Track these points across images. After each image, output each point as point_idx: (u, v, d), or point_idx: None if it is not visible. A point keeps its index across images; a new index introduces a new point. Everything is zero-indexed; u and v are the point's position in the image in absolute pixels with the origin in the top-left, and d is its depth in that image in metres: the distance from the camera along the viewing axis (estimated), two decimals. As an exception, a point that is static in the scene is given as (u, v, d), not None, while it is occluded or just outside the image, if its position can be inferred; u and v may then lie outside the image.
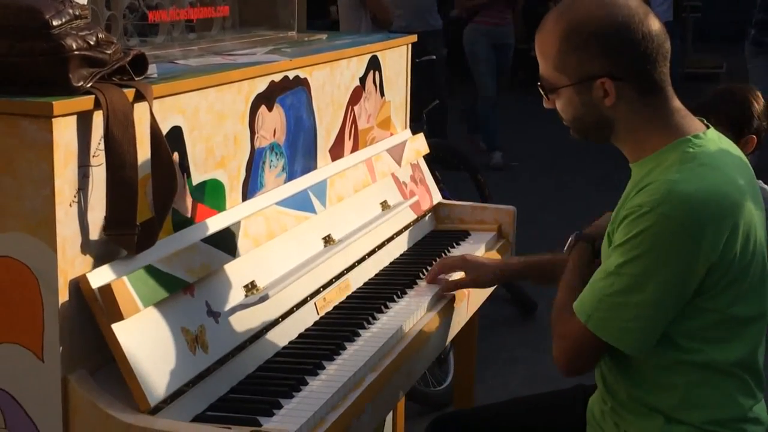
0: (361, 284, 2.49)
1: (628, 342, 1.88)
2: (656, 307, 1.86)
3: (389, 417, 2.99)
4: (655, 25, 1.92)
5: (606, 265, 1.91)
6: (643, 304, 1.85)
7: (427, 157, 3.15)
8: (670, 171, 1.87)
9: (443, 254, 2.76)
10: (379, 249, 2.63)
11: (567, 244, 2.21)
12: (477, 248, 2.84)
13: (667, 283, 1.84)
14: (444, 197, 3.17)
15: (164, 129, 1.88)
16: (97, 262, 1.75)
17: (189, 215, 2.01)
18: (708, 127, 1.98)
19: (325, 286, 2.34)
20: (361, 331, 2.21)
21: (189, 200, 2.01)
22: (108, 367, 1.73)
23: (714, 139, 1.96)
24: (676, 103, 1.96)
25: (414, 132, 3.14)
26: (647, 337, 1.88)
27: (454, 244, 2.87)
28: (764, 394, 2.01)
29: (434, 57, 5.91)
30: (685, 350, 1.89)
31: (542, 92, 2.00)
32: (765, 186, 2.93)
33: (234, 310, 1.99)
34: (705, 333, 1.90)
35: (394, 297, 2.42)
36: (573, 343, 1.94)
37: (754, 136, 2.92)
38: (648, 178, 1.90)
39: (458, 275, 2.52)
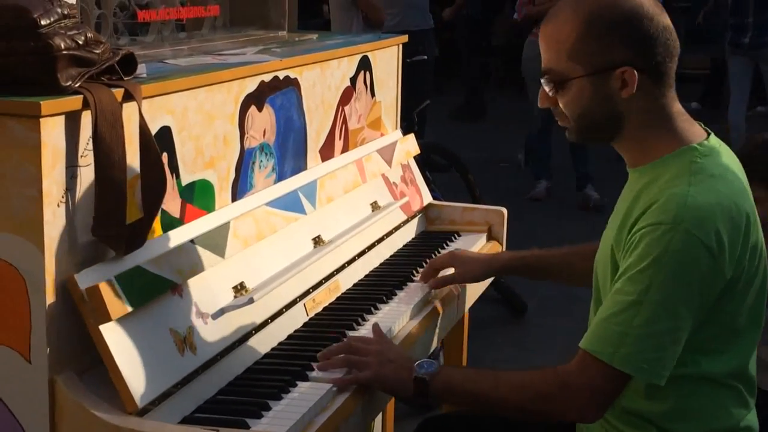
0: (351, 285, 2.49)
1: (657, 372, 1.79)
2: (683, 330, 1.79)
3: (378, 418, 2.98)
4: (668, 21, 1.89)
5: (622, 295, 1.80)
6: (672, 330, 1.78)
7: (417, 158, 3.15)
8: (679, 183, 1.82)
9: (433, 255, 2.75)
10: (369, 250, 2.63)
11: (424, 372, 1.95)
12: (468, 248, 2.83)
13: (692, 304, 1.78)
14: (435, 198, 3.17)
15: (153, 129, 1.87)
16: (85, 263, 1.74)
17: (178, 216, 2.00)
18: (708, 133, 1.96)
19: (314, 288, 2.33)
20: (350, 333, 2.20)
21: (178, 201, 2.00)
22: (96, 368, 1.72)
23: (716, 147, 1.92)
24: (679, 105, 1.93)
25: (405, 132, 3.13)
26: (673, 361, 1.80)
27: (444, 245, 2.87)
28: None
29: (425, 57, 5.91)
30: (682, 363, 1.84)
31: (547, 86, 1.92)
32: None
33: (223, 311, 1.98)
34: (703, 345, 1.86)
35: (384, 298, 2.41)
36: (601, 388, 1.81)
37: None
38: (652, 189, 1.85)
39: (449, 271, 2.52)
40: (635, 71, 1.85)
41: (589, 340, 1.84)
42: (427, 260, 2.70)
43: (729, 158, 1.95)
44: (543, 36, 1.93)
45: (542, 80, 1.93)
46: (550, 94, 1.93)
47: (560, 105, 1.93)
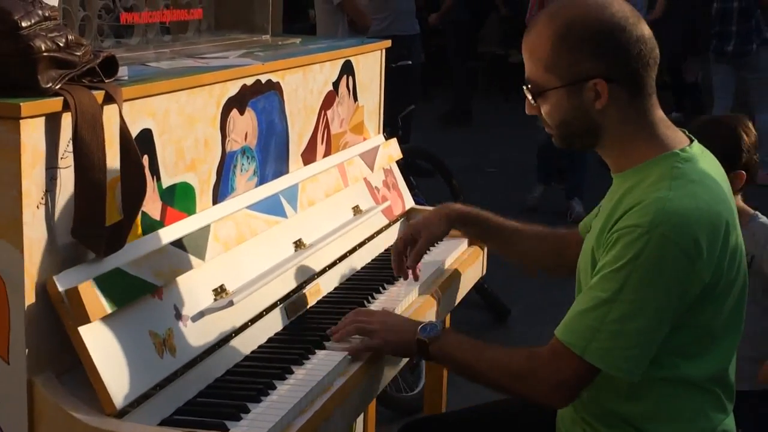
0: (332, 289, 2.49)
1: (628, 368, 1.84)
2: (656, 330, 1.83)
3: (360, 422, 2.99)
4: (646, 30, 1.91)
5: (597, 291, 1.84)
6: (644, 330, 1.81)
7: (401, 163, 3.16)
8: (660, 188, 1.84)
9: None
10: (350, 254, 2.63)
11: (426, 334, 2.06)
12: (448, 253, 2.84)
13: (666, 307, 1.81)
14: (419, 203, 3.18)
15: (134, 131, 1.88)
16: (65, 265, 1.74)
17: (158, 218, 2.00)
18: (691, 140, 1.98)
19: (295, 291, 2.33)
20: (330, 336, 2.21)
21: (158, 203, 2.00)
22: (74, 369, 1.72)
23: (698, 154, 1.95)
24: (660, 113, 1.95)
25: (389, 137, 3.14)
26: (645, 361, 1.84)
27: (426, 250, 2.87)
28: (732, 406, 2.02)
29: (410, 62, 5.93)
30: (661, 365, 1.87)
31: (528, 96, 1.96)
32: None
33: (203, 313, 1.98)
34: (682, 349, 1.89)
35: (365, 302, 2.42)
36: (566, 376, 1.87)
37: (743, 172, 2.71)
38: (634, 193, 1.87)
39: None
40: (606, 83, 1.88)
41: (562, 330, 1.88)
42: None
43: (711, 164, 1.97)
44: (524, 47, 1.96)
45: (524, 89, 1.97)
46: (532, 103, 1.96)
47: (543, 113, 1.96)
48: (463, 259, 2.86)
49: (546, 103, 1.94)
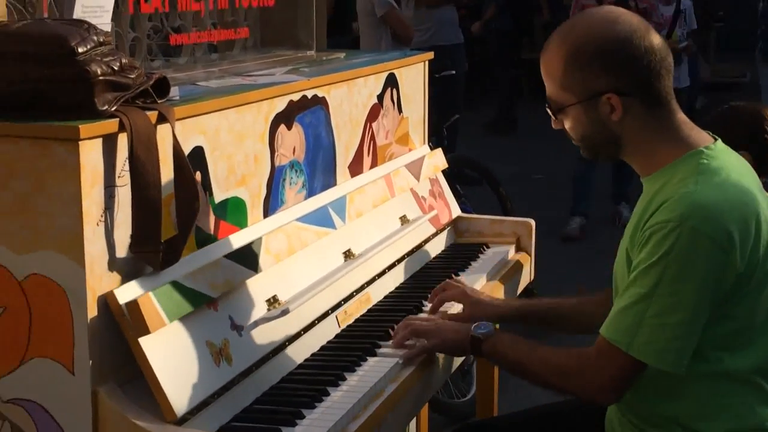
0: (382, 297, 2.54)
1: (673, 361, 1.88)
2: (695, 322, 1.86)
3: (413, 428, 3.03)
4: (656, 39, 1.96)
5: (635, 288, 1.89)
6: (684, 322, 1.86)
7: (447, 172, 3.20)
8: (687, 183, 1.89)
9: (463, 267, 2.81)
10: (398, 263, 2.68)
11: (481, 331, 2.13)
12: (494, 261, 2.88)
13: (703, 297, 1.85)
14: (466, 212, 3.21)
15: (186, 149, 1.94)
16: (124, 279, 1.81)
17: (212, 232, 2.06)
18: (716, 139, 2.02)
19: (345, 300, 2.39)
20: (381, 343, 2.25)
21: (212, 218, 2.07)
22: (136, 379, 1.79)
23: (724, 150, 1.99)
24: (682, 116, 2.00)
25: (435, 147, 3.19)
26: (689, 352, 1.88)
27: (475, 256, 2.91)
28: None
29: (454, 72, 5.96)
30: (705, 359, 1.90)
31: (550, 113, 2.04)
32: None
33: (257, 323, 2.04)
34: (725, 341, 1.92)
35: (414, 309, 2.46)
36: (614, 372, 1.91)
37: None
38: (664, 192, 1.92)
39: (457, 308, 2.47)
40: (618, 97, 1.93)
41: (607, 328, 1.93)
42: (456, 272, 2.75)
43: (737, 160, 2.01)
44: (541, 67, 2.04)
45: (546, 107, 2.05)
46: (554, 119, 2.05)
47: (566, 128, 2.04)
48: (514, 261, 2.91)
49: (567, 119, 2.02)
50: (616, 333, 1.90)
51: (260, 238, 2.15)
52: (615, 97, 1.94)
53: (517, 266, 2.93)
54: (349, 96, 2.64)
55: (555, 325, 2.46)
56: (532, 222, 3.09)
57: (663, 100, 1.97)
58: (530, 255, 3.05)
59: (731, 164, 1.96)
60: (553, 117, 2.05)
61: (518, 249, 3.04)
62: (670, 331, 1.86)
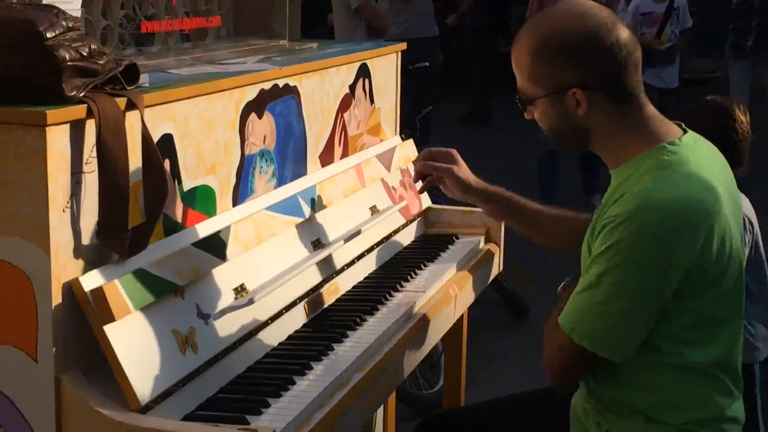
0: (350, 287, 2.55)
1: (612, 349, 1.93)
2: (636, 314, 1.90)
3: (380, 419, 3.04)
4: (624, 33, 1.96)
5: (586, 277, 1.95)
6: (624, 312, 1.90)
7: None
8: (644, 179, 1.92)
9: (432, 258, 2.82)
10: (368, 253, 2.69)
11: (562, 284, 2.23)
12: (464, 251, 2.89)
13: (645, 290, 1.89)
14: (437, 203, 3.22)
15: (155, 136, 1.94)
16: (90, 266, 1.80)
17: (180, 220, 2.06)
18: (685, 132, 2.03)
19: (314, 289, 2.39)
20: (349, 333, 2.26)
21: (180, 205, 2.06)
22: (100, 367, 1.78)
23: (690, 145, 2.00)
24: (651, 109, 2.01)
25: (407, 138, 3.19)
26: (630, 343, 1.92)
27: (444, 248, 2.92)
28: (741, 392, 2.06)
29: (427, 64, 5.96)
30: (664, 352, 1.94)
31: (520, 104, 2.06)
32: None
33: (224, 312, 2.04)
34: (683, 335, 1.94)
35: (383, 299, 2.47)
36: (560, 356, 1.99)
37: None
38: (625, 185, 1.95)
39: None
40: (583, 91, 1.95)
41: (562, 314, 1.99)
42: (426, 263, 2.76)
43: (706, 153, 2.03)
44: (512, 58, 2.05)
45: (516, 99, 2.07)
46: (524, 111, 2.06)
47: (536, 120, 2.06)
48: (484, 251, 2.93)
49: (535, 111, 2.04)
50: (564, 319, 1.97)
51: (228, 227, 2.14)
52: (580, 91, 1.95)
53: (487, 256, 2.94)
54: (320, 85, 2.64)
55: (517, 221, 2.53)
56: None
57: (629, 95, 1.98)
58: (499, 246, 3.06)
59: (695, 159, 1.97)
60: (523, 108, 2.06)
61: (488, 240, 3.06)
62: (611, 319, 1.91)
